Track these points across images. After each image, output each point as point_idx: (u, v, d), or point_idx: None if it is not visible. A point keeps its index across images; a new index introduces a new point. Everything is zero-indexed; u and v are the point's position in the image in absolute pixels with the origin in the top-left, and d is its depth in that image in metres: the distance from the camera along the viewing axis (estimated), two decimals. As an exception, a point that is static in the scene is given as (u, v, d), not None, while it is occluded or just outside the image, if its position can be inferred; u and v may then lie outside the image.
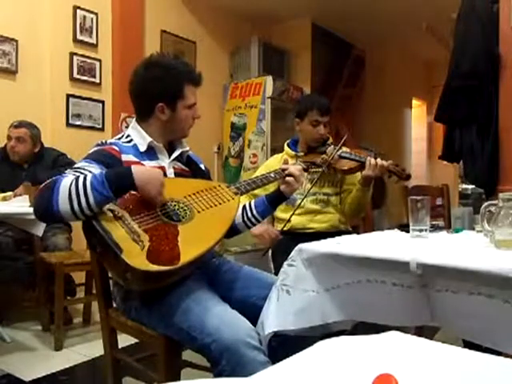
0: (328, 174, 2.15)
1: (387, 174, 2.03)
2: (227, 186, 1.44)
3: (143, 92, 1.45)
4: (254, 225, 1.56)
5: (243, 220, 1.53)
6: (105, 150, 1.36)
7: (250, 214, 1.53)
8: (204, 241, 1.26)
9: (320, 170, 2.13)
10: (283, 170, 1.53)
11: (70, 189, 1.14)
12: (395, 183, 2.17)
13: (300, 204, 2.14)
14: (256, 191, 1.85)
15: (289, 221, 2.19)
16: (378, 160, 2.00)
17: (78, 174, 1.23)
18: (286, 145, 2.35)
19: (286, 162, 1.62)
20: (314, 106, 2.18)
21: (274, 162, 2.29)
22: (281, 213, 2.22)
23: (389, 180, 2.14)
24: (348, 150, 2.19)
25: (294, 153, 2.26)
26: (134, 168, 1.23)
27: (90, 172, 1.25)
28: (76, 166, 1.29)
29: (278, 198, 1.54)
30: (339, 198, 2.22)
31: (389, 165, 2.00)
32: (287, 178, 1.50)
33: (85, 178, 1.16)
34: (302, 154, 2.23)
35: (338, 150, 2.05)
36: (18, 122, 2.89)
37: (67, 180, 1.16)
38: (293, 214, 2.12)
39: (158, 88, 1.42)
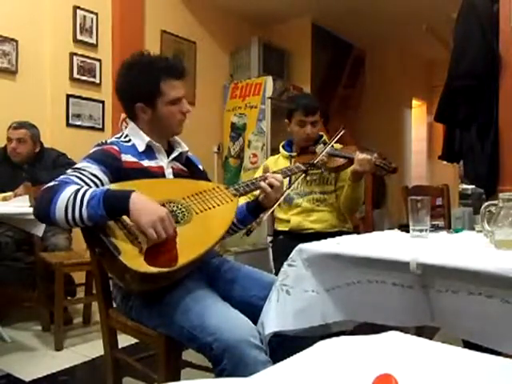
0: (322, 172, 2.16)
1: (375, 168, 2.00)
2: (226, 187, 1.44)
3: (123, 95, 1.46)
4: (236, 232, 1.55)
5: None
6: (105, 150, 1.36)
7: None
8: (202, 242, 1.26)
9: (319, 171, 2.13)
10: (264, 179, 1.48)
11: (67, 201, 1.17)
12: (384, 176, 2.16)
13: (296, 203, 2.15)
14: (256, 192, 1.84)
15: (288, 221, 2.19)
16: (364, 155, 1.98)
17: (78, 175, 1.25)
18: (280, 146, 2.35)
19: (266, 170, 1.57)
20: (298, 106, 2.18)
21: (270, 163, 2.28)
22: (280, 213, 2.23)
23: (381, 175, 2.13)
24: (340, 147, 2.17)
25: (288, 153, 2.28)
26: (134, 195, 1.19)
27: (91, 174, 1.27)
28: (77, 166, 1.31)
29: (257, 208, 1.51)
30: (335, 196, 2.22)
31: (375, 158, 1.97)
32: (264, 186, 1.45)
33: (84, 193, 1.18)
34: (295, 154, 2.24)
35: (325, 149, 2.02)
36: (17, 124, 2.88)
37: (68, 190, 1.18)
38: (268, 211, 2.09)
39: (134, 89, 1.42)
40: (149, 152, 1.44)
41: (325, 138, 2.26)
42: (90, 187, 1.24)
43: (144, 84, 1.41)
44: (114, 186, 1.29)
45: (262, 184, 1.46)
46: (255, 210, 1.51)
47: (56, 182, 1.22)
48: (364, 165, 1.97)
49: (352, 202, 2.14)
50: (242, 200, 1.53)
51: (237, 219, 1.50)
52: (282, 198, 2.08)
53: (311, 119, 2.17)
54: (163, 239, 1.17)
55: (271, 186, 1.45)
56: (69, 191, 1.18)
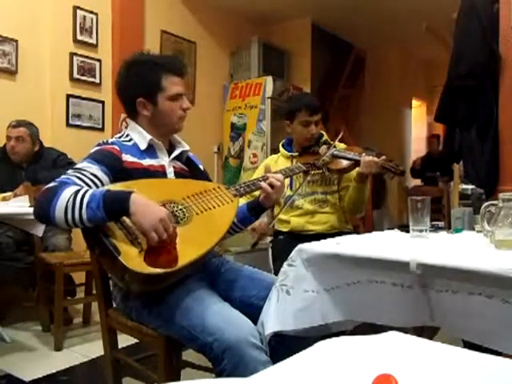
0: (324, 173, 2.14)
1: (382, 170, 1.99)
2: (226, 187, 1.43)
3: (124, 91, 1.46)
4: (237, 232, 1.55)
5: None
6: (106, 150, 1.36)
7: None
8: (202, 243, 1.26)
9: (320, 171, 2.11)
10: (265, 179, 1.48)
11: (67, 201, 1.17)
12: (390, 179, 2.15)
13: (296, 205, 2.15)
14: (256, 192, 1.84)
15: (288, 222, 2.18)
16: (371, 157, 1.97)
17: (79, 175, 1.25)
18: (280, 145, 2.32)
19: (267, 170, 1.56)
20: (302, 106, 2.14)
21: (271, 162, 2.27)
22: (281, 214, 2.21)
23: (388, 178, 2.12)
24: (343, 147, 2.16)
25: (289, 153, 2.24)
26: (134, 196, 1.19)
27: (92, 174, 1.27)
28: (77, 166, 1.30)
29: (257, 208, 1.51)
30: (338, 196, 2.20)
31: (382, 161, 1.96)
32: (264, 187, 1.45)
33: (84, 194, 1.18)
34: (296, 154, 2.21)
35: (329, 150, 2.00)
36: (16, 122, 2.88)
37: (68, 191, 1.18)
38: (279, 213, 2.07)
39: (135, 85, 1.43)
40: (150, 151, 1.44)
41: (325, 136, 2.25)
42: (90, 188, 1.24)
43: (145, 79, 1.42)
44: (114, 187, 1.28)
45: (263, 184, 1.46)
46: (255, 210, 1.51)
47: (56, 183, 1.22)
48: (370, 167, 1.96)
49: (357, 203, 2.13)
50: (242, 200, 1.53)
51: (237, 219, 1.50)
52: (283, 201, 2.09)
53: (316, 118, 2.14)
54: (164, 240, 1.18)
55: (272, 186, 1.46)
56: (68, 192, 1.18)
